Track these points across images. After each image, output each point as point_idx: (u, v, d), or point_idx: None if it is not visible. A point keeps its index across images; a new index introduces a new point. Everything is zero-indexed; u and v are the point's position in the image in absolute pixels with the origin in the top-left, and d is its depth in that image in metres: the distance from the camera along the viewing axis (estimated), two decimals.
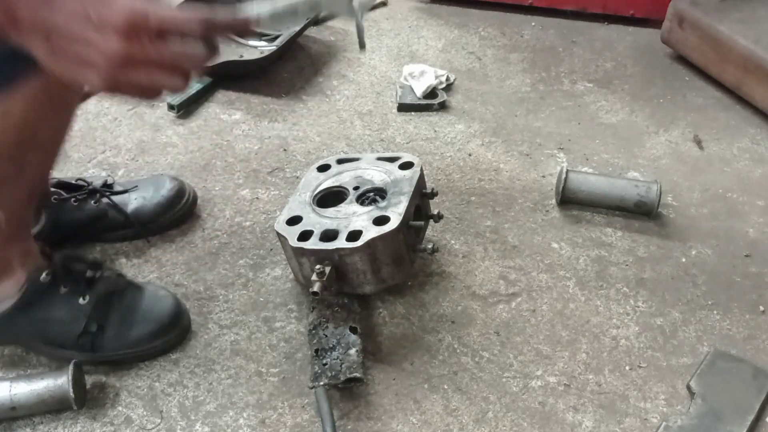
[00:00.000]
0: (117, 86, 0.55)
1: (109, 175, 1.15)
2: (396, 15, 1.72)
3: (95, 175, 1.18)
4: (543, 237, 1.14)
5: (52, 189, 1.06)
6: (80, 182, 1.08)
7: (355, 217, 0.97)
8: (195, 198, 1.16)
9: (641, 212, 1.16)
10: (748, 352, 0.97)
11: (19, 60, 0.57)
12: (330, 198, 1.04)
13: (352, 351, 0.90)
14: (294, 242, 0.95)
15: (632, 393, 0.91)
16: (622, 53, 1.59)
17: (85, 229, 1.07)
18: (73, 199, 1.05)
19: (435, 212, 1.05)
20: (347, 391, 0.90)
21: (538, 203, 1.20)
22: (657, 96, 1.47)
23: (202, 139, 1.32)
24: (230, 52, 1.50)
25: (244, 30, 0.62)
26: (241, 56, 1.49)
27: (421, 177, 1.05)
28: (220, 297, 1.03)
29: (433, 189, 1.06)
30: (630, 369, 0.94)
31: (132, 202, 1.08)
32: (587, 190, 1.16)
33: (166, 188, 1.10)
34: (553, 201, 1.20)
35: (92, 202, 1.06)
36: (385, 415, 0.88)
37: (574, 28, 1.67)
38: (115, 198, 1.08)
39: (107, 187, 1.08)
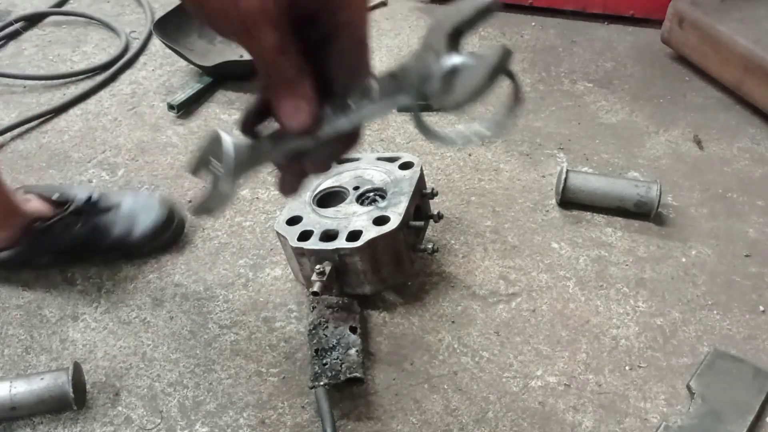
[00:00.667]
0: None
1: (95, 187, 1.08)
2: (396, 15, 1.72)
3: (79, 186, 1.10)
4: (543, 237, 1.13)
5: (34, 213, 0.99)
6: (61, 199, 1.01)
7: (355, 217, 0.97)
8: (183, 224, 1.10)
9: (641, 212, 1.16)
10: (748, 352, 0.96)
11: None
12: (330, 198, 1.04)
13: (352, 351, 0.90)
14: (294, 242, 0.95)
15: (632, 393, 0.91)
16: (622, 53, 1.59)
17: (73, 253, 1.03)
18: (58, 224, 0.99)
19: (435, 212, 1.05)
20: (347, 391, 0.90)
21: (538, 203, 1.20)
22: (657, 96, 1.46)
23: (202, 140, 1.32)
24: (230, 52, 1.50)
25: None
26: (241, 56, 1.49)
27: (421, 177, 1.04)
28: (220, 297, 1.03)
29: (433, 189, 1.06)
30: (630, 369, 0.94)
31: (118, 225, 1.03)
32: (587, 190, 1.16)
33: (156, 213, 1.05)
34: (553, 201, 1.20)
35: (78, 225, 1.00)
36: (385, 415, 0.88)
37: (574, 28, 1.67)
38: (101, 220, 1.01)
39: (91, 205, 1.02)
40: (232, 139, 0.45)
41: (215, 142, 0.46)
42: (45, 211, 1.00)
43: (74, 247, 1.01)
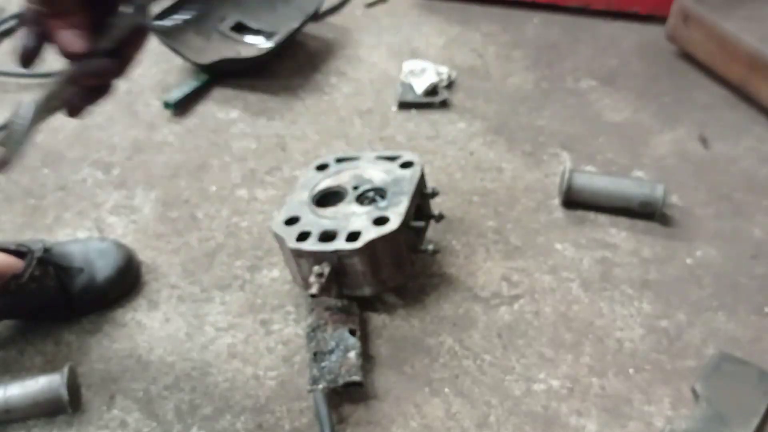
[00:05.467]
0: None
1: (40, 239, 0.99)
2: (396, 11, 1.70)
3: (30, 240, 0.99)
4: (546, 238, 1.12)
5: (6, 269, 0.91)
6: (21, 249, 0.92)
7: (354, 217, 0.95)
8: (140, 266, 1.04)
9: (646, 212, 1.14)
10: (754, 354, 0.95)
11: None
12: (329, 198, 1.03)
13: (351, 354, 0.89)
14: (292, 243, 0.93)
15: (636, 396, 0.90)
16: (627, 50, 1.57)
17: (46, 310, 0.96)
18: (32, 281, 0.91)
19: (436, 212, 1.04)
20: (346, 395, 0.89)
21: (541, 203, 1.18)
22: (662, 94, 1.45)
23: (198, 138, 1.31)
24: (227, 49, 1.48)
25: None
26: (238, 53, 1.47)
27: (422, 176, 1.03)
28: (217, 299, 1.02)
29: (434, 189, 1.05)
30: (634, 372, 0.93)
31: (79, 274, 0.96)
32: (591, 190, 1.15)
33: (114, 256, 0.99)
34: (557, 201, 1.18)
35: (48, 278, 0.93)
36: (384, 420, 0.87)
37: (577, 25, 1.65)
38: (62, 271, 0.94)
39: (50, 253, 0.94)
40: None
41: (17, 107, 0.53)
42: (14, 265, 0.91)
43: (49, 302, 0.94)
